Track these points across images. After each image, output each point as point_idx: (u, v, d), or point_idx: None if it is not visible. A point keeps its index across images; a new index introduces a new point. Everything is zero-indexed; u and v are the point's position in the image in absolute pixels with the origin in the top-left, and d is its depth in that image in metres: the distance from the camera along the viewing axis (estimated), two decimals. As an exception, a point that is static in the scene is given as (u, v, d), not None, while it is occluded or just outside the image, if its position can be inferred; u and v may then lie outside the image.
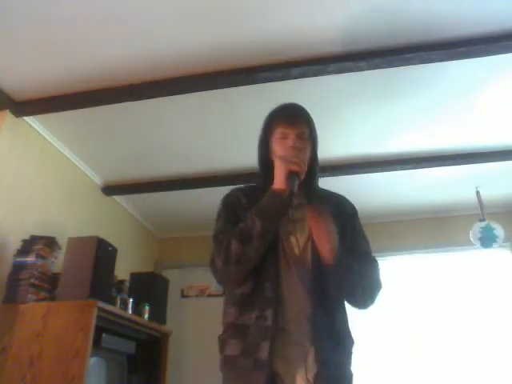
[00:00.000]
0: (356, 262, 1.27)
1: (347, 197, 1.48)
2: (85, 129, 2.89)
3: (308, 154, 1.32)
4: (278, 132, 1.32)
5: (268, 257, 1.23)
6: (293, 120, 1.34)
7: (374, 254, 1.39)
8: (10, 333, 2.24)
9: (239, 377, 1.17)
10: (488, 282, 3.78)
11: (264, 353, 1.12)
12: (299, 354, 1.16)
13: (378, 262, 1.37)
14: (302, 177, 1.24)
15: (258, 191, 1.31)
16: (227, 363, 1.20)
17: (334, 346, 1.18)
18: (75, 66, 2.33)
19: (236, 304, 1.24)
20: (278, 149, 1.31)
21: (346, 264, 1.22)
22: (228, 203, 1.36)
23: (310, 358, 1.15)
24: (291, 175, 1.21)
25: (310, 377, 1.14)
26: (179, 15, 2.04)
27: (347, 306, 1.34)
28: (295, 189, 1.20)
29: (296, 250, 1.27)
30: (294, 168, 1.21)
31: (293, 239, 1.28)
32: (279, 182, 1.21)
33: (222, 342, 1.24)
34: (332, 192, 1.46)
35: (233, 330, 1.22)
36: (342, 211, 1.37)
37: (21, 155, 2.65)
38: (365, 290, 1.28)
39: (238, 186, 1.45)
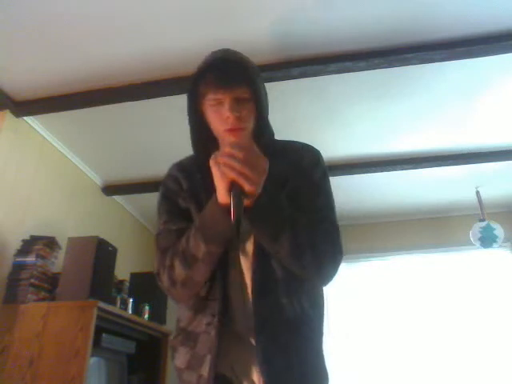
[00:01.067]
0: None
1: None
2: (85, 129, 2.89)
3: (251, 120, 1.07)
4: (209, 98, 1.05)
5: (216, 274, 1.05)
6: (226, 80, 1.04)
7: (335, 219, 1.09)
8: (10, 333, 2.24)
9: None
10: (488, 282, 3.79)
11: (206, 369, 0.99)
12: (246, 356, 1.02)
13: (338, 225, 1.08)
14: (247, 188, 0.90)
15: (197, 170, 1.12)
16: (177, 375, 1.08)
17: (284, 341, 0.98)
18: (75, 66, 2.33)
19: (190, 307, 1.08)
20: (213, 121, 1.07)
21: (277, 202, 0.98)
22: (167, 192, 1.18)
23: (256, 360, 0.98)
24: (234, 189, 0.89)
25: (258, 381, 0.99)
26: (179, 15, 2.04)
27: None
28: (241, 211, 0.89)
29: (243, 254, 1.06)
30: (237, 179, 0.89)
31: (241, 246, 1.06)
32: (220, 195, 0.93)
33: (173, 349, 1.11)
34: (289, 143, 1.19)
35: (183, 337, 1.08)
36: (297, 167, 1.11)
37: (21, 155, 2.65)
38: (317, 253, 0.98)
39: (173, 162, 1.27)
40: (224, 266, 1.04)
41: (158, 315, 3.21)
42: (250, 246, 1.04)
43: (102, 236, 2.56)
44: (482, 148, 3.07)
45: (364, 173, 3.30)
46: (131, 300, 2.89)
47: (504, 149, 3.07)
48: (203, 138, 1.15)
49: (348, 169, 3.24)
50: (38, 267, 2.39)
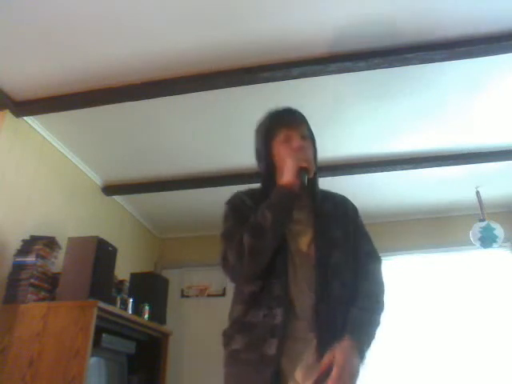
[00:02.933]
0: (359, 262, 1.30)
1: (347, 197, 1.48)
2: (85, 129, 2.89)
3: (312, 154, 1.34)
4: (282, 135, 1.33)
5: (276, 256, 1.22)
6: (295, 121, 1.36)
7: (377, 251, 1.41)
8: (9, 333, 2.25)
9: (244, 372, 1.16)
10: (488, 282, 3.78)
11: (272, 349, 1.12)
12: (303, 348, 1.16)
13: (381, 259, 1.40)
14: (311, 174, 1.26)
15: (260, 194, 1.32)
16: (232, 358, 1.20)
17: (337, 340, 1.15)
18: (75, 66, 2.33)
19: (244, 302, 1.23)
20: (283, 151, 1.31)
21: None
22: (234, 205, 1.36)
23: (313, 352, 1.14)
24: (301, 171, 1.23)
25: (310, 371, 1.13)
26: (179, 15, 2.03)
27: None
28: (305, 182, 1.23)
29: (303, 248, 1.26)
30: (304, 164, 1.24)
31: (299, 238, 1.28)
32: (289, 176, 1.22)
33: (228, 337, 1.23)
34: (333, 192, 1.47)
35: (239, 326, 1.21)
36: (344, 211, 1.39)
37: (21, 155, 2.65)
38: (380, 307, 1.30)
39: (239, 190, 1.44)
40: (283, 264, 1.21)
41: (158, 315, 3.21)
42: (311, 256, 1.24)
43: (102, 236, 2.56)
44: (482, 148, 3.07)
45: (364, 173, 3.30)
46: (131, 300, 2.89)
47: (504, 149, 3.06)
48: (269, 173, 1.36)
49: (348, 169, 3.23)
50: (38, 267, 2.40)
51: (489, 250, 3.62)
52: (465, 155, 3.12)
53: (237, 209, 1.34)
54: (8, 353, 2.21)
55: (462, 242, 3.74)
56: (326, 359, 1.09)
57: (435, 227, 4.03)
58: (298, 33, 2.13)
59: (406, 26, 2.08)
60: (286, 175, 1.23)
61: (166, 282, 3.52)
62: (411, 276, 4.00)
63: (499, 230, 3.49)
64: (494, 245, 3.50)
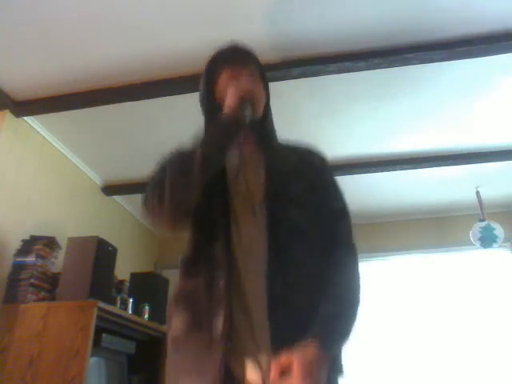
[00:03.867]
0: (324, 224, 1.04)
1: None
2: (85, 129, 2.89)
3: (263, 94, 1.13)
4: (226, 75, 1.12)
5: (214, 203, 1.01)
6: (241, 60, 1.16)
7: (348, 209, 1.13)
8: (9, 333, 2.24)
9: (187, 360, 0.94)
10: (488, 282, 3.78)
11: (218, 328, 0.90)
12: (251, 330, 0.92)
13: (350, 219, 1.12)
14: (256, 108, 1.06)
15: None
16: (173, 344, 0.99)
17: (298, 331, 0.88)
18: (75, 66, 2.33)
19: (181, 268, 1.02)
20: (228, 91, 1.08)
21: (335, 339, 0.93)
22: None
23: (264, 336, 0.90)
24: (243, 102, 1.03)
25: (264, 361, 0.89)
26: (179, 15, 2.04)
27: None
28: (247, 117, 1.03)
29: (251, 209, 1.02)
30: (246, 95, 1.03)
31: (246, 196, 1.04)
32: (228, 107, 1.02)
33: (168, 319, 1.03)
34: (297, 142, 1.20)
35: (178, 302, 1.00)
36: (310, 162, 1.14)
37: (21, 155, 2.65)
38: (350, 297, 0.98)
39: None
40: (225, 225, 1.00)
41: (158, 315, 3.21)
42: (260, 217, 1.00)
43: (102, 236, 2.56)
44: (482, 148, 3.07)
45: (364, 173, 3.30)
46: (131, 300, 2.89)
47: (504, 149, 3.06)
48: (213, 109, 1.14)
49: (348, 169, 3.24)
50: (38, 267, 2.40)
51: (489, 250, 3.62)
52: (465, 155, 3.12)
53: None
54: (8, 353, 2.21)
55: (462, 242, 3.74)
56: (278, 365, 0.81)
57: (435, 227, 4.03)
58: (297, 33, 2.13)
59: (406, 26, 2.08)
60: (226, 105, 1.03)
61: (166, 282, 3.51)
62: (411, 276, 4.00)
63: (499, 230, 3.49)
64: (494, 245, 3.50)
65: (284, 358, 0.81)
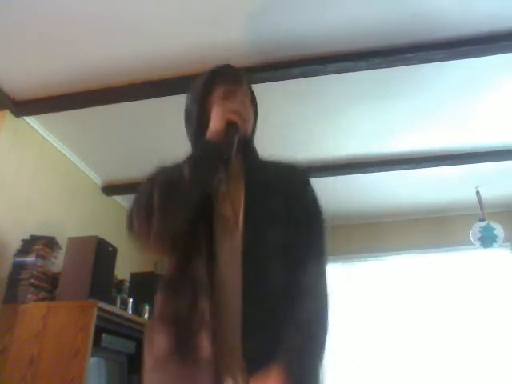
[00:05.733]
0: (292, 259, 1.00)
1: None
2: (85, 129, 2.89)
3: (251, 116, 1.14)
4: (221, 91, 1.12)
5: (197, 227, 1.00)
6: (239, 78, 1.18)
7: (321, 248, 1.06)
8: (9, 333, 2.24)
9: (173, 379, 0.92)
10: (488, 282, 3.79)
11: (206, 349, 0.89)
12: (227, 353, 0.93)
13: (324, 259, 1.05)
14: (241, 130, 1.07)
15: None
16: (156, 363, 0.95)
17: (270, 344, 0.91)
18: (75, 66, 2.33)
19: (162, 290, 1.01)
20: (220, 109, 1.09)
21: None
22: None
23: (237, 360, 0.91)
24: (230, 126, 1.03)
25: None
26: (179, 15, 2.04)
27: None
28: (234, 143, 1.03)
29: (230, 227, 1.03)
30: (234, 118, 1.04)
31: (227, 214, 1.05)
32: (214, 130, 1.03)
33: (148, 341, 1.00)
34: (280, 160, 1.17)
35: (161, 322, 0.98)
36: (288, 180, 1.11)
37: (21, 155, 2.65)
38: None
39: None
40: (208, 239, 1.00)
41: (158, 315, 3.21)
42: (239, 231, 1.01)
43: (102, 236, 2.56)
44: (482, 148, 3.07)
45: (363, 173, 3.30)
46: (131, 300, 2.89)
47: (504, 149, 3.06)
48: (202, 128, 1.13)
49: (347, 169, 3.23)
50: (38, 267, 2.39)
51: (489, 250, 3.62)
52: (465, 155, 3.12)
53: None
54: (8, 353, 2.20)
55: (462, 242, 3.74)
56: None
57: (435, 227, 4.04)
58: (297, 33, 2.13)
59: (406, 26, 2.08)
60: (211, 130, 1.04)
61: (165, 282, 3.51)
62: (411, 276, 4.00)
63: (499, 230, 3.49)
64: (494, 245, 3.50)
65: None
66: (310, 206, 1.10)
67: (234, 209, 1.05)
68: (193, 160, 1.02)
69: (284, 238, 1.01)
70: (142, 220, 0.97)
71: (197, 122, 1.14)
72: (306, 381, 0.91)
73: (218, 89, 1.12)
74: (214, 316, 0.93)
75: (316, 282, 1.00)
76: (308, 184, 1.13)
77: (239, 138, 1.06)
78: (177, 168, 1.01)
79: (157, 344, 0.95)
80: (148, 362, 0.97)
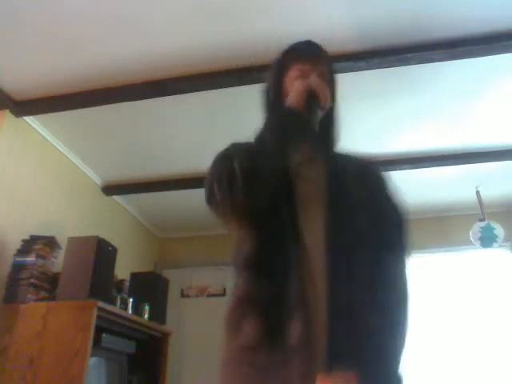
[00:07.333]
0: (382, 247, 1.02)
1: None
2: (85, 129, 2.89)
3: (328, 96, 1.07)
4: (296, 69, 1.10)
5: (281, 203, 0.95)
6: (313, 56, 1.14)
7: (407, 224, 1.15)
8: (9, 333, 2.24)
9: (264, 373, 0.85)
10: (488, 282, 3.78)
11: (295, 337, 0.84)
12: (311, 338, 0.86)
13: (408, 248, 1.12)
14: (322, 103, 1.02)
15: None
16: (242, 354, 0.89)
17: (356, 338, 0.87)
18: (75, 65, 2.33)
19: (244, 268, 0.95)
20: (294, 86, 1.05)
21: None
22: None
23: (320, 350, 0.84)
24: (310, 97, 0.99)
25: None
26: (179, 15, 2.04)
27: None
28: (315, 113, 1.00)
29: (313, 213, 0.97)
30: (314, 87, 1.00)
31: (308, 200, 0.99)
32: (293, 98, 1.00)
33: (232, 327, 0.93)
34: (352, 154, 1.18)
35: (248, 306, 0.91)
36: (368, 174, 1.12)
37: (21, 155, 2.65)
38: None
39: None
40: (294, 214, 0.96)
41: (158, 315, 3.21)
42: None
43: (102, 236, 2.56)
44: (482, 148, 3.07)
45: (364, 173, 3.30)
46: (131, 300, 2.89)
47: (504, 149, 3.06)
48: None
49: (348, 169, 3.23)
50: (38, 267, 2.39)
51: (489, 250, 3.62)
52: (464, 155, 3.12)
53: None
54: (8, 353, 2.21)
55: (462, 242, 3.74)
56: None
57: (435, 227, 4.03)
58: (298, 33, 2.13)
59: (406, 26, 2.08)
60: (290, 97, 1.01)
61: (166, 281, 3.52)
62: (410, 276, 3.99)
63: (499, 230, 3.49)
64: (494, 245, 3.50)
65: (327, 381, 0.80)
66: (393, 200, 1.11)
67: (317, 192, 1.00)
68: (275, 128, 0.97)
69: (370, 228, 0.99)
70: (224, 192, 0.91)
71: (274, 96, 1.12)
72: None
73: (294, 67, 1.10)
74: (303, 301, 0.87)
75: (400, 273, 1.04)
76: (387, 179, 1.13)
77: (317, 113, 1.01)
78: (258, 138, 0.97)
79: (245, 331, 0.88)
80: (230, 348, 0.92)
